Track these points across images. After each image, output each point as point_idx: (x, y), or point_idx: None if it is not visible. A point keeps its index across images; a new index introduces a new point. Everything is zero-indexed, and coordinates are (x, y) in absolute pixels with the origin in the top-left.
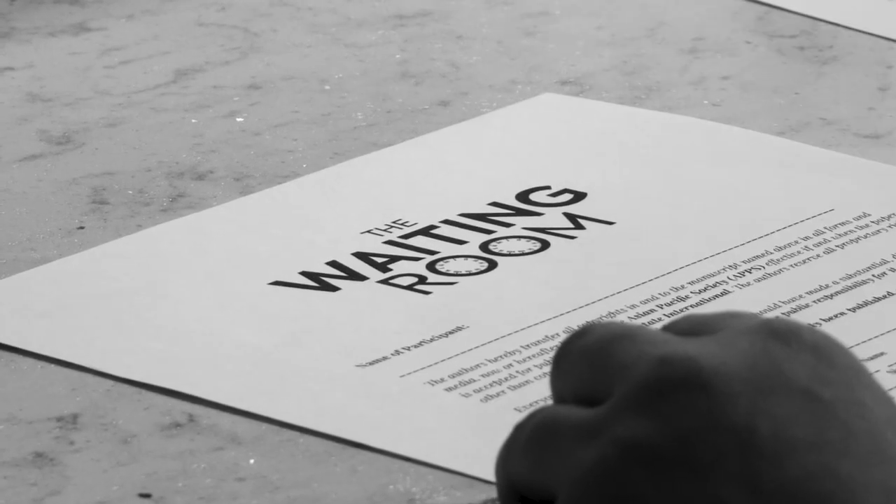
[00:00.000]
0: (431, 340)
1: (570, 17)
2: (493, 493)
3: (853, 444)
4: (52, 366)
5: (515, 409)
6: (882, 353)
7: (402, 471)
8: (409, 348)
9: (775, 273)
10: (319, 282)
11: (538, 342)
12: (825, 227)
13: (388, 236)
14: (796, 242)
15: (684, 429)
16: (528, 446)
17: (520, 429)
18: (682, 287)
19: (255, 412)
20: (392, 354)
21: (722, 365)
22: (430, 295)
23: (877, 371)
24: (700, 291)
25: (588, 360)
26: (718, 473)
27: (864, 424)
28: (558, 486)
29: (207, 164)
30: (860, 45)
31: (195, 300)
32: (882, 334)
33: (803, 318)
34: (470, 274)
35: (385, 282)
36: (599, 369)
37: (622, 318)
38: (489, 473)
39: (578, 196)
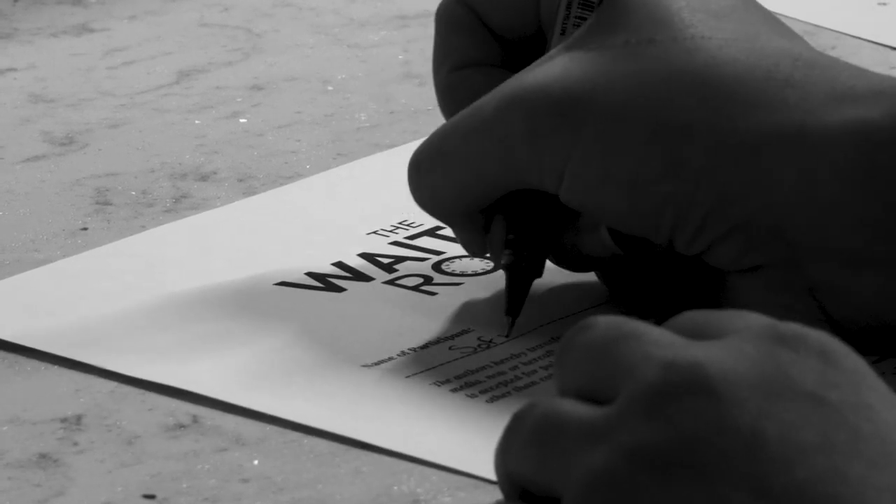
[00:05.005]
0: (438, 342)
1: None
2: (497, 494)
3: (862, 446)
4: (56, 367)
5: None
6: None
7: (407, 472)
8: (414, 349)
9: None
10: (325, 282)
11: (543, 344)
12: None
13: (393, 237)
14: None
15: (692, 433)
16: (531, 440)
17: (519, 420)
18: None
19: (260, 411)
20: (398, 355)
21: (729, 370)
22: (436, 296)
23: (882, 374)
24: None
25: (592, 358)
26: (726, 477)
27: (872, 427)
28: (563, 488)
29: (211, 165)
30: (863, 46)
31: (200, 300)
32: None
33: None
34: (476, 274)
35: (391, 282)
36: (604, 368)
37: None
38: (494, 474)
39: None
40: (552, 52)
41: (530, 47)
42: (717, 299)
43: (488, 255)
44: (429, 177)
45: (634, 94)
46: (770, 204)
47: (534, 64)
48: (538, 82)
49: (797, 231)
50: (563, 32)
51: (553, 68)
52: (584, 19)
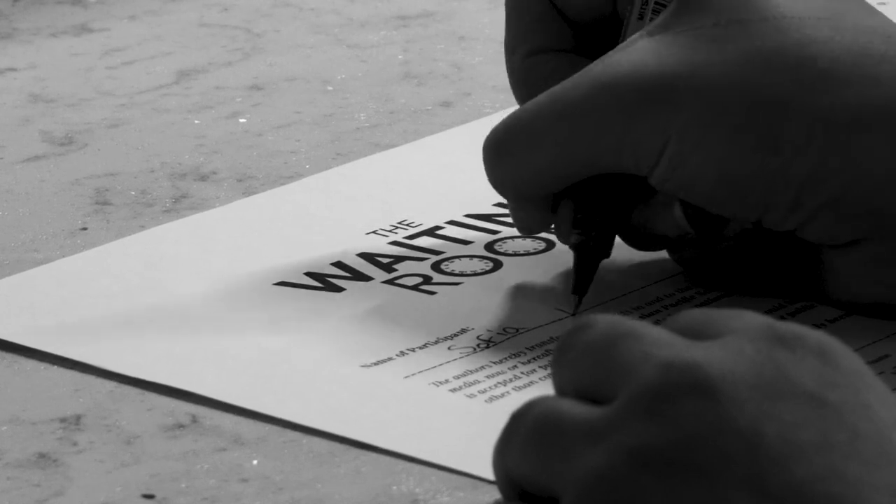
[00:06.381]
0: (437, 342)
1: None
2: (496, 494)
3: (860, 446)
4: (56, 367)
5: None
6: (886, 356)
7: (406, 471)
8: (413, 349)
9: None
10: (324, 282)
11: (542, 343)
12: None
13: (393, 237)
14: None
15: (692, 434)
16: (529, 440)
17: (518, 419)
18: (688, 288)
19: (259, 411)
20: (397, 355)
21: (728, 371)
22: (434, 295)
23: (881, 373)
24: (705, 292)
25: (591, 357)
26: (726, 477)
27: (871, 427)
28: (563, 488)
29: (210, 165)
30: None
31: (200, 300)
32: (887, 336)
33: (809, 318)
34: (475, 274)
35: (390, 282)
36: (603, 367)
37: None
38: (493, 474)
39: None
40: (633, 37)
41: (602, 31)
42: (809, 277)
43: (554, 233)
44: (513, 157)
45: (730, 74)
46: (864, 180)
47: (617, 49)
48: (630, 67)
49: (893, 206)
50: (640, 17)
51: (641, 53)
52: (663, 5)
